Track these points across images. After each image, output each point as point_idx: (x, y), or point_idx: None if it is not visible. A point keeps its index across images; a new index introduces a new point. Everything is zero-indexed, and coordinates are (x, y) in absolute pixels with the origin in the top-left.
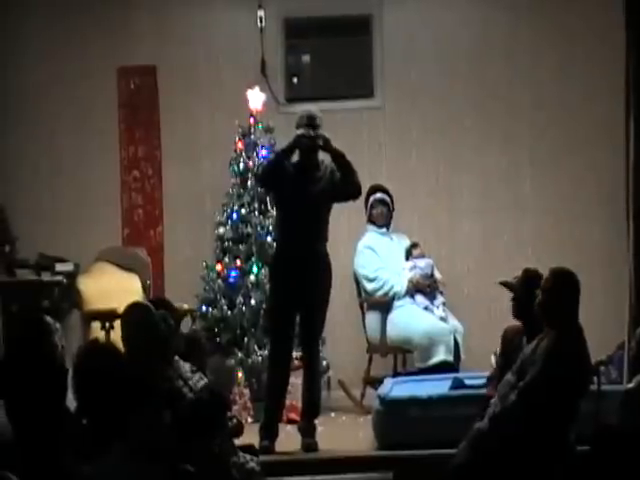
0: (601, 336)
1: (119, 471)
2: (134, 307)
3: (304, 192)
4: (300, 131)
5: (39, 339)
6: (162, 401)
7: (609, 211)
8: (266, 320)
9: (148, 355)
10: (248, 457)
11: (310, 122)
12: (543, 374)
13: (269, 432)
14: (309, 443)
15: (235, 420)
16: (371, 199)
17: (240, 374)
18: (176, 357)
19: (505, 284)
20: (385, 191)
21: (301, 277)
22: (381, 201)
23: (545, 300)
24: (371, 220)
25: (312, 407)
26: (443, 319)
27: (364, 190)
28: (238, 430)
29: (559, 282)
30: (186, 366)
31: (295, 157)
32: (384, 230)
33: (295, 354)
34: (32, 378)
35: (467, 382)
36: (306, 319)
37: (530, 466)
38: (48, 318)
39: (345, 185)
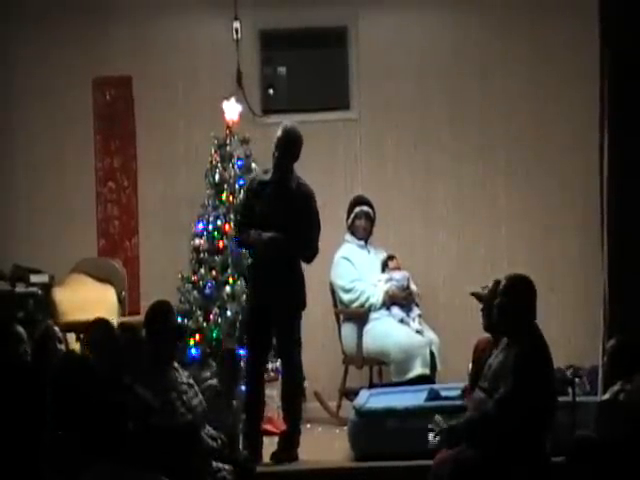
0: (574, 349)
1: None
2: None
3: (277, 208)
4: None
5: (3, 346)
6: (138, 413)
7: (584, 222)
8: (243, 330)
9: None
10: (221, 466)
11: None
12: (516, 387)
13: (251, 442)
14: (278, 454)
15: (220, 441)
16: (357, 209)
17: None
18: (176, 366)
19: (475, 295)
20: (371, 205)
21: (274, 285)
22: (367, 214)
23: (500, 305)
24: (351, 230)
25: (292, 418)
26: (419, 332)
27: (348, 200)
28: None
29: (513, 286)
30: (184, 378)
31: (269, 175)
32: (362, 243)
33: (271, 366)
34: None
35: (443, 393)
36: (280, 328)
37: (505, 477)
38: (18, 327)
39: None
